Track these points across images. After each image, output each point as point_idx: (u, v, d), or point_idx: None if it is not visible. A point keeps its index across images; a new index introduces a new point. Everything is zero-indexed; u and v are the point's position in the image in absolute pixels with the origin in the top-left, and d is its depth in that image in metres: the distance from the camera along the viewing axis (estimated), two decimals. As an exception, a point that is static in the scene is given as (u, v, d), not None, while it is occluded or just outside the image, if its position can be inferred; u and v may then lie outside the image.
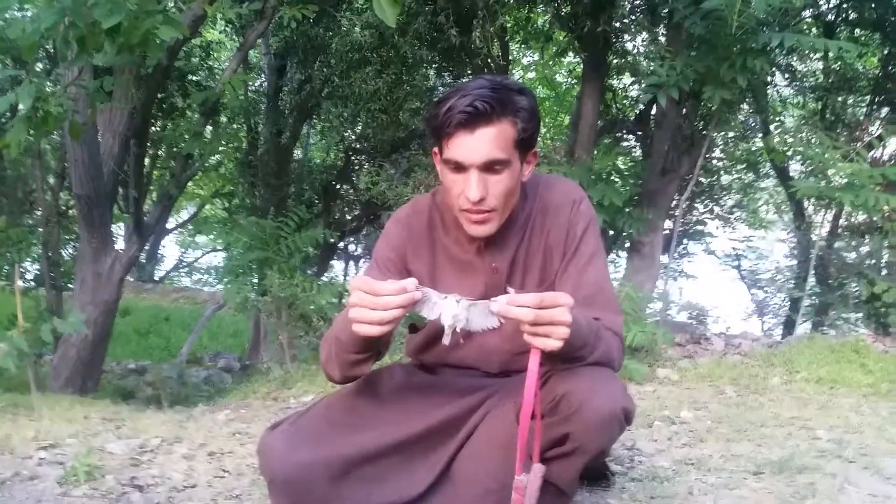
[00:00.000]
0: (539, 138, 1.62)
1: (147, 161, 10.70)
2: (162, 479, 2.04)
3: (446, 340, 1.36)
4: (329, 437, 1.62)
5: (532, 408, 1.32)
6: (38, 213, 7.39)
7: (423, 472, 1.62)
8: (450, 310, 1.33)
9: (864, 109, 7.73)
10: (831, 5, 7.07)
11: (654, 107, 6.16)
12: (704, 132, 5.77)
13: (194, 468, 2.15)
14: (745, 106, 7.06)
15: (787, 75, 7.68)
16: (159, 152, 11.59)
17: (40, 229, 6.51)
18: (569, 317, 1.30)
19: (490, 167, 1.49)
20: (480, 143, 1.47)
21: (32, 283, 7.44)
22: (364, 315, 1.32)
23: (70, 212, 7.84)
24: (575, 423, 1.45)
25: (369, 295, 1.31)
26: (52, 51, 6.73)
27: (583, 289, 1.60)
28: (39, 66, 7.14)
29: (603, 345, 1.50)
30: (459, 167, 1.51)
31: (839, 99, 7.80)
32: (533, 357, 1.32)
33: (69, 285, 6.26)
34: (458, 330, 1.34)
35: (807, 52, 6.71)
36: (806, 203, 8.44)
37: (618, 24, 5.66)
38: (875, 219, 6.16)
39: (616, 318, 1.61)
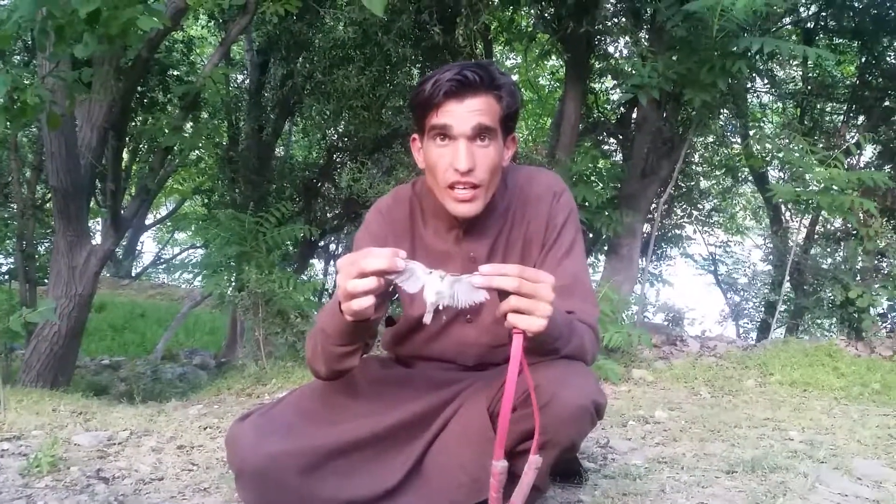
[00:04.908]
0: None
1: (126, 155, 10.61)
2: (129, 472, 2.00)
3: (427, 319, 1.32)
4: (300, 429, 1.59)
5: (513, 397, 1.28)
6: (13, 206, 7.28)
7: (396, 465, 1.60)
8: (433, 286, 1.28)
9: (842, 117, 7.84)
10: (811, 13, 7.16)
11: (636, 110, 6.19)
12: (685, 137, 5.80)
13: (162, 461, 2.12)
14: (724, 111, 7.12)
15: (766, 81, 7.76)
16: (139, 147, 11.47)
17: (15, 222, 6.41)
18: (552, 294, 1.28)
19: (478, 135, 1.52)
20: (469, 110, 1.51)
21: (6, 277, 7.34)
22: (353, 286, 1.28)
23: (46, 205, 7.74)
24: (545, 415, 1.43)
25: (357, 260, 1.27)
26: (29, 42, 6.65)
27: (560, 279, 1.58)
28: (17, 59, 7.06)
29: (576, 338, 1.49)
30: (447, 136, 1.52)
31: (817, 106, 7.91)
32: (515, 340, 1.28)
33: (44, 279, 6.18)
34: (440, 307, 1.30)
35: (786, 58, 6.79)
36: (783, 209, 8.54)
37: (600, 27, 5.68)
38: (850, 224, 6.23)
39: (592, 309, 1.61)
